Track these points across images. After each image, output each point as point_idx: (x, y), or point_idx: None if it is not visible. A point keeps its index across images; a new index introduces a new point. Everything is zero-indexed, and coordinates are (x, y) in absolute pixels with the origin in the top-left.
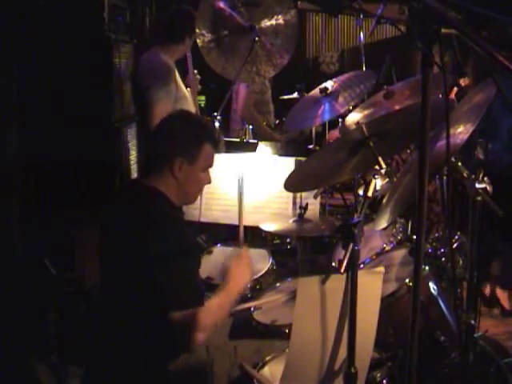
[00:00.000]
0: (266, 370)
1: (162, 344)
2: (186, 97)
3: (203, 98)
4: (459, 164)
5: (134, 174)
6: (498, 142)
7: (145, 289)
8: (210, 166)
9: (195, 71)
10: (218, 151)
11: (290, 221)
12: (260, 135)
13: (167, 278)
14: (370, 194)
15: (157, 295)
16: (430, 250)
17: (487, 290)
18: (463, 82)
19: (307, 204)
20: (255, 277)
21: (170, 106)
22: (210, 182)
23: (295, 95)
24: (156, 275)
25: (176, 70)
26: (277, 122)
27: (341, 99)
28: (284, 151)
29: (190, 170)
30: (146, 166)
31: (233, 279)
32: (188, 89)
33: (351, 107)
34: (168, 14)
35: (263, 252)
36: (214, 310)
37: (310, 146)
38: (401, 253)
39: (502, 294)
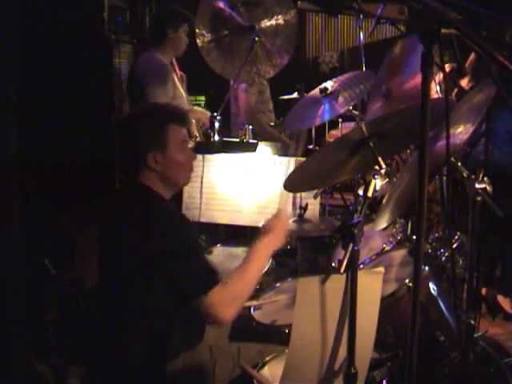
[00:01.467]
0: (266, 370)
1: (161, 343)
2: (183, 96)
3: (203, 97)
4: (459, 164)
5: None
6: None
7: (159, 286)
8: (185, 141)
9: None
10: (185, 124)
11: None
12: (265, 137)
13: (180, 269)
14: (369, 194)
15: (174, 288)
16: (429, 250)
17: (490, 296)
18: (463, 82)
19: (307, 204)
20: None
21: None
22: (195, 158)
23: (295, 95)
24: (166, 270)
25: (172, 70)
26: (281, 119)
27: (341, 99)
28: (284, 151)
29: (166, 158)
30: (125, 170)
31: (271, 232)
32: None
33: (351, 107)
34: (152, 15)
35: None
36: (242, 277)
37: (310, 146)
38: (401, 253)
39: (503, 300)
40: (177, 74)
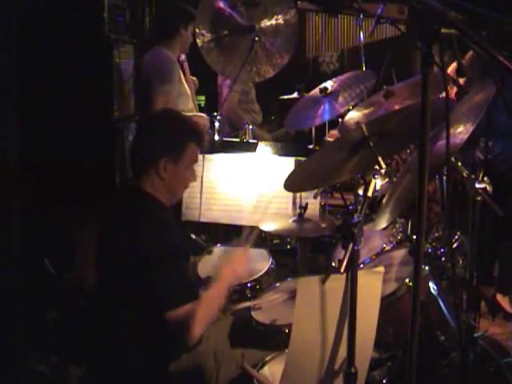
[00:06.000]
0: (266, 370)
1: (160, 343)
2: (188, 94)
3: (203, 97)
4: (459, 164)
5: None
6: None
7: (139, 290)
8: (195, 162)
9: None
10: (202, 147)
11: (290, 221)
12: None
13: (159, 278)
14: (369, 194)
15: (151, 296)
16: (429, 250)
17: (489, 295)
18: (463, 81)
19: (307, 204)
20: (255, 277)
21: (171, 100)
22: (195, 179)
23: (295, 95)
24: (148, 276)
25: (179, 67)
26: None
27: (341, 99)
28: (284, 151)
29: (175, 170)
30: (133, 167)
31: (223, 274)
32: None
33: (351, 107)
34: (161, 11)
35: (263, 252)
36: (206, 303)
37: (310, 146)
38: (401, 253)
39: (502, 299)
40: (185, 74)
